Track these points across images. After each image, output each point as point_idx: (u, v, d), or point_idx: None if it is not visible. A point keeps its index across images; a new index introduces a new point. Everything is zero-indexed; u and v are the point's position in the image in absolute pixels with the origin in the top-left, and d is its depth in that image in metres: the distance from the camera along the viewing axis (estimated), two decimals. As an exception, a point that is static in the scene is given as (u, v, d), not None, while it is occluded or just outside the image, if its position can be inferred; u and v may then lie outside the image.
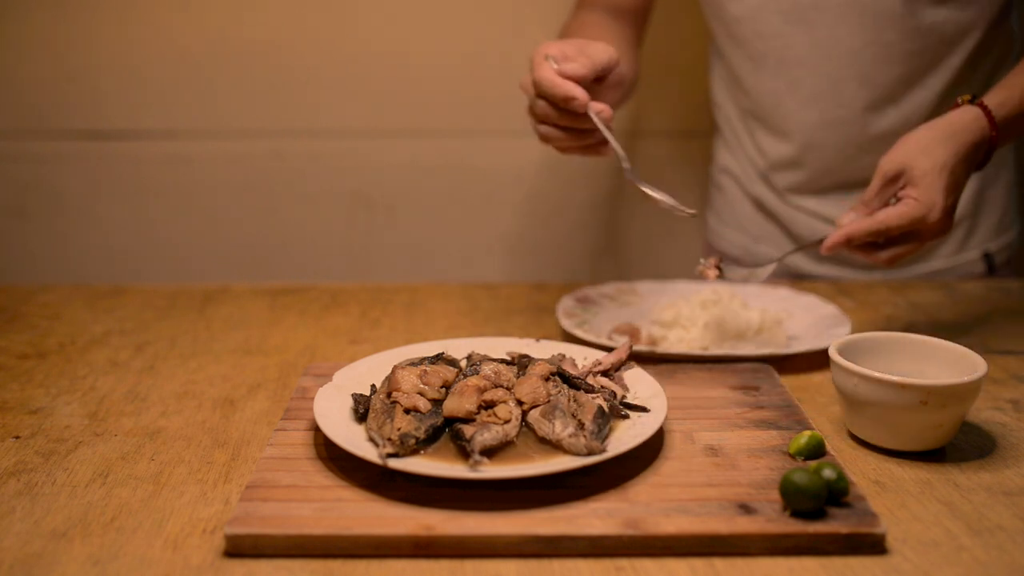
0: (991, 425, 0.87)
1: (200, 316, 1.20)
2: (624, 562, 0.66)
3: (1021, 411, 0.90)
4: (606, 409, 0.79)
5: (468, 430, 0.75)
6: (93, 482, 0.77)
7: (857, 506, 0.70)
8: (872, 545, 0.67)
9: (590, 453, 0.73)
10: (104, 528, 0.70)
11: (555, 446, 0.76)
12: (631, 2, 1.31)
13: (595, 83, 0.97)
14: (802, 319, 1.12)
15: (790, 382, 0.96)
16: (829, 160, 1.28)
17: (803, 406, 0.90)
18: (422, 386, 0.82)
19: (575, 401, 0.80)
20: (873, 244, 0.98)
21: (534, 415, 0.78)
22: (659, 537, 0.66)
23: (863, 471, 0.79)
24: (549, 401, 0.79)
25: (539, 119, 0.97)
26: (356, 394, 0.83)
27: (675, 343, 1.04)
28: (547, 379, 0.83)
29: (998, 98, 0.99)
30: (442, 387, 0.82)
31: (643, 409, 0.82)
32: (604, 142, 0.96)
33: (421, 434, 0.75)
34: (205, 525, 0.71)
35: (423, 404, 0.79)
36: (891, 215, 0.94)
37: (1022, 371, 1.00)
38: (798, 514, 0.68)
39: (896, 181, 0.96)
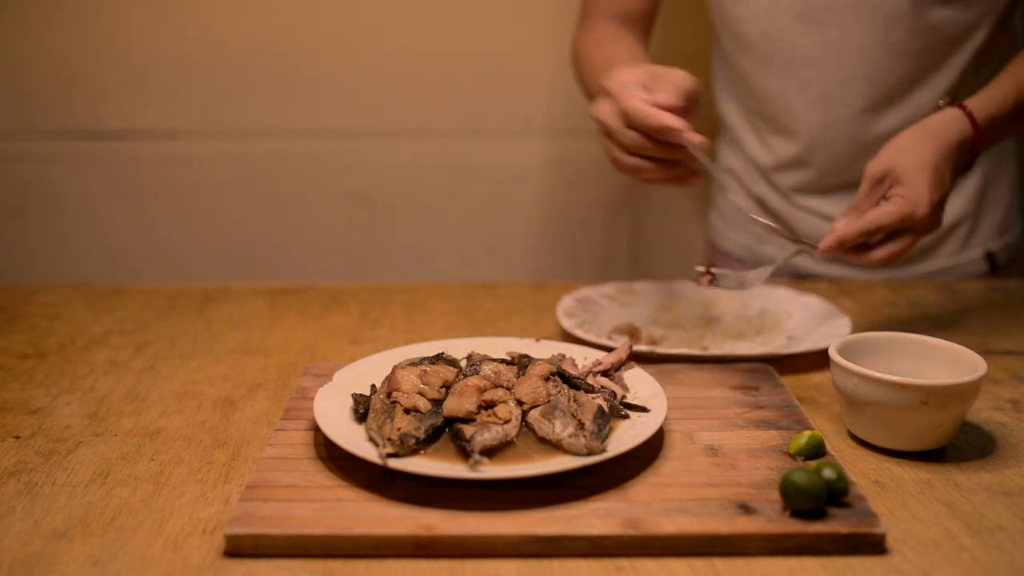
0: (991, 425, 0.87)
1: (200, 316, 1.20)
2: (624, 562, 0.66)
3: (1021, 411, 0.90)
4: (606, 409, 0.79)
5: (468, 430, 0.75)
6: (93, 482, 0.77)
7: (857, 506, 0.70)
8: (872, 545, 0.67)
9: (590, 453, 0.73)
10: (104, 528, 0.70)
11: (555, 446, 0.76)
12: (640, 10, 1.30)
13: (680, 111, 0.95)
14: (802, 319, 1.12)
15: (790, 382, 0.96)
16: (835, 159, 1.28)
17: (803, 406, 0.90)
18: (422, 386, 0.82)
19: (575, 401, 0.80)
20: (866, 245, 1.00)
21: (534, 415, 0.78)
22: (659, 537, 0.66)
23: (863, 471, 0.79)
24: (549, 401, 0.79)
25: (628, 150, 0.94)
26: (356, 394, 0.83)
27: (675, 343, 1.04)
28: (547, 379, 0.83)
29: (980, 100, 1.02)
30: (442, 387, 0.82)
31: (643, 409, 0.82)
32: (693, 172, 0.94)
33: (421, 434, 0.75)
34: (205, 525, 0.71)
35: (423, 404, 0.79)
36: (880, 214, 0.96)
37: (1022, 371, 1.00)
38: (798, 514, 0.68)
39: (883, 182, 0.98)
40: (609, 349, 0.99)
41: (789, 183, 1.34)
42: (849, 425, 0.85)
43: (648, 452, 0.78)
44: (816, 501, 0.68)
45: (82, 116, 1.74)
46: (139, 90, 1.72)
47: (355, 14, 1.71)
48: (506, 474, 0.71)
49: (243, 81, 1.73)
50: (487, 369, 0.84)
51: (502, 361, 0.88)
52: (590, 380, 0.86)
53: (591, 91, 1.18)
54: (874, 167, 0.98)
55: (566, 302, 1.15)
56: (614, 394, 0.84)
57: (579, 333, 1.05)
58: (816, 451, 0.78)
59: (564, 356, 0.92)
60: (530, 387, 0.81)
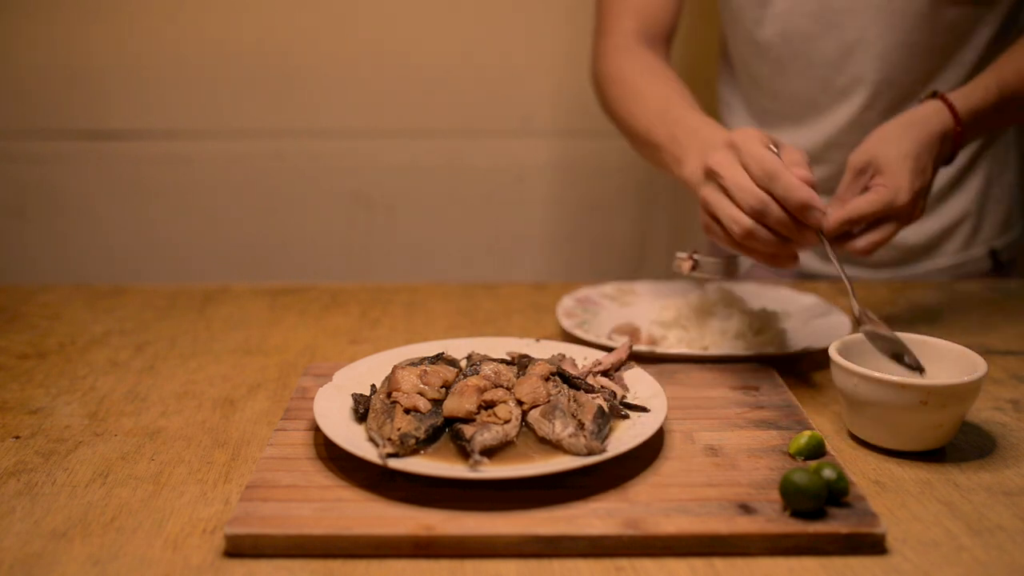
0: (991, 425, 0.87)
1: (200, 316, 1.20)
2: (624, 562, 0.66)
3: (1021, 411, 0.90)
4: (606, 409, 0.79)
5: (468, 430, 0.75)
6: (93, 482, 0.77)
7: (857, 506, 0.70)
8: (872, 545, 0.67)
9: (590, 453, 0.73)
10: (104, 528, 0.70)
11: (555, 446, 0.76)
12: (665, 30, 1.26)
13: None
14: (802, 319, 1.12)
15: (790, 382, 0.96)
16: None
17: (803, 406, 0.90)
18: (422, 386, 0.82)
19: (575, 401, 0.80)
20: (848, 234, 1.00)
21: (534, 415, 0.78)
22: (659, 537, 0.66)
23: (863, 471, 0.78)
24: (549, 401, 0.79)
25: (749, 212, 0.86)
26: (356, 394, 0.83)
27: (675, 343, 1.04)
28: (547, 379, 0.83)
29: (963, 92, 1.03)
30: (442, 387, 0.82)
31: (643, 409, 0.82)
32: (796, 256, 0.89)
33: (421, 434, 0.75)
34: (205, 525, 0.71)
35: (423, 404, 0.79)
36: (860, 203, 0.96)
37: (1022, 371, 1.00)
38: (798, 514, 0.68)
39: (865, 173, 0.99)
40: (609, 349, 0.99)
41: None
42: (849, 425, 0.85)
43: (648, 452, 0.78)
44: (816, 501, 0.68)
45: (82, 116, 1.74)
46: (139, 90, 1.72)
47: (355, 14, 1.71)
48: (506, 474, 0.71)
49: (243, 81, 1.73)
50: (487, 369, 0.84)
51: (502, 361, 0.88)
52: (590, 380, 0.86)
53: (636, 121, 1.12)
54: (856, 157, 0.99)
55: (566, 302, 1.15)
56: (614, 394, 0.84)
57: (579, 333, 1.05)
58: (816, 451, 0.78)
59: (564, 356, 0.92)
60: (530, 387, 0.81)
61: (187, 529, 0.70)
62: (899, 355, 0.84)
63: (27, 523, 0.71)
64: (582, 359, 0.93)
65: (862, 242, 0.99)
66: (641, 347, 1.01)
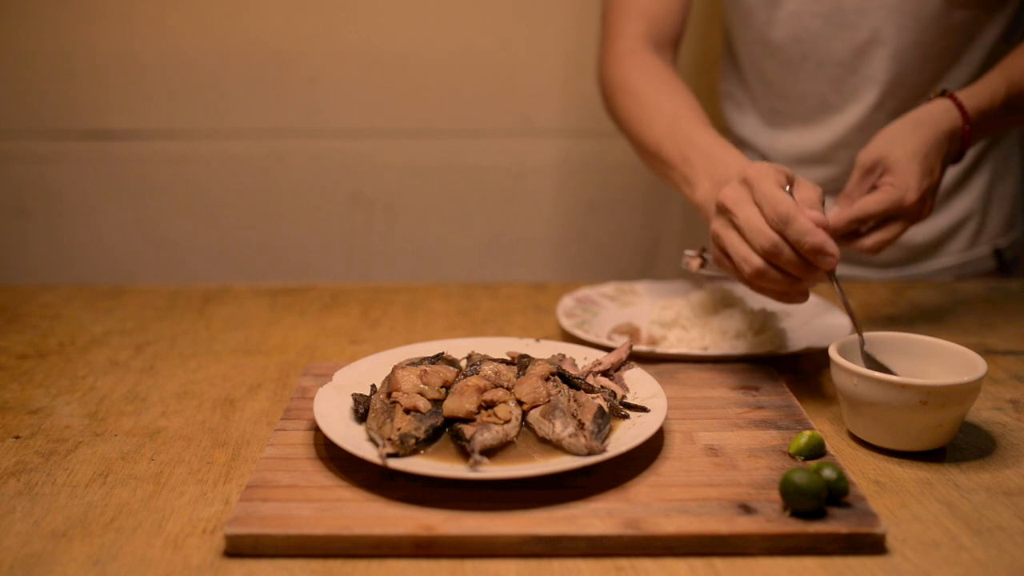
0: (991, 425, 0.87)
1: (200, 316, 1.20)
2: (624, 562, 0.66)
3: (1021, 411, 0.90)
4: (606, 409, 0.79)
5: (468, 430, 0.75)
6: (93, 482, 0.77)
7: (857, 506, 0.70)
8: (872, 545, 0.67)
9: (590, 453, 0.73)
10: (104, 528, 0.70)
11: (555, 446, 0.76)
12: (672, 35, 1.25)
13: None
14: (802, 319, 1.12)
15: (790, 382, 0.96)
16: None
17: (803, 406, 0.90)
18: (422, 386, 0.82)
19: (575, 401, 0.80)
20: (856, 233, 1.01)
21: (534, 415, 0.78)
22: (659, 537, 0.66)
23: (863, 471, 0.78)
24: (549, 401, 0.79)
25: (761, 252, 0.85)
26: (356, 394, 0.83)
27: (675, 343, 1.04)
28: (547, 379, 0.83)
29: (970, 91, 1.03)
30: (442, 387, 0.82)
31: (643, 409, 0.82)
32: (806, 293, 0.88)
33: (421, 434, 0.75)
34: (205, 525, 0.71)
35: (423, 404, 0.79)
36: (869, 201, 0.97)
37: (1022, 371, 1.00)
38: (798, 514, 0.68)
39: (873, 171, 0.99)
40: (609, 349, 0.99)
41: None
42: (849, 425, 0.85)
43: (648, 452, 0.78)
44: (816, 501, 0.68)
45: (82, 116, 1.74)
46: (140, 90, 1.73)
47: (355, 14, 1.71)
48: (506, 474, 0.71)
49: (243, 81, 1.73)
50: (487, 369, 0.84)
51: (502, 361, 0.88)
52: (590, 380, 0.86)
53: (646, 137, 1.11)
54: (865, 156, 1.00)
55: (566, 302, 1.15)
56: (614, 394, 0.84)
57: (579, 333, 1.05)
58: (816, 451, 0.78)
59: (564, 356, 0.92)
60: (530, 387, 0.81)
61: (187, 529, 0.70)
62: None
63: (27, 523, 0.71)
64: (582, 359, 0.93)
65: (870, 241, 1.00)
66: (641, 347, 1.01)
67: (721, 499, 0.71)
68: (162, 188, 1.78)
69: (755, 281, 0.87)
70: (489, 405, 0.79)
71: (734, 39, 1.36)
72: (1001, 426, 0.87)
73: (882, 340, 0.88)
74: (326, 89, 1.74)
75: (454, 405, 0.78)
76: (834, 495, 0.70)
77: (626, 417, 0.81)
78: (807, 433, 0.78)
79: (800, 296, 0.88)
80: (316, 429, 0.82)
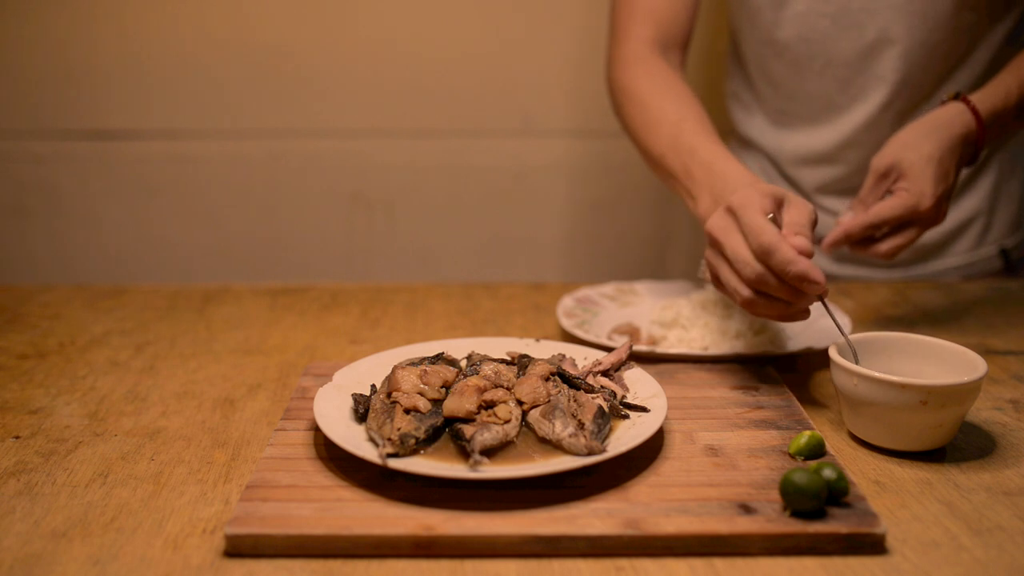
0: (991, 425, 0.87)
1: (200, 316, 1.20)
2: (624, 562, 0.66)
3: (1021, 411, 0.90)
4: (606, 409, 0.79)
5: (468, 430, 0.75)
6: (93, 482, 0.77)
7: (857, 506, 0.70)
8: (872, 545, 0.67)
9: (590, 453, 0.73)
10: (104, 528, 0.70)
11: (555, 446, 0.76)
12: (680, 36, 1.24)
13: None
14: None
15: (790, 382, 0.96)
16: (864, 158, 1.28)
17: (803, 406, 0.90)
18: (422, 386, 0.82)
19: (575, 401, 0.80)
20: (871, 238, 1.01)
21: (534, 415, 0.78)
22: (659, 537, 0.66)
23: (863, 471, 0.78)
24: (549, 401, 0.80)
25: (749, 283, 0.85)
26: (356, 394, 0.83)
27: (675, 343, 1.04)
28: (547, 379, 0.83)
29: (984, 94, 1.04)
30: (442, 387, 0.82)
31: (643, 409, 0.82)
32: (805, 312, 0.87)
33: (421, 434, 0.75)
34: (205, 525, 0.71)
35: (423, 404, 0.79)
36: (884, 207, 0.98)
37: (1022, 371, 1.00)
38: (798, 514, 0.68)
39: (888, 176, 1.00)
40: (609, 349, 0.99)
41: (814, 182, 1.34)
42: (849, 425, 0.85)
43: (648, 452, 0.78)
44: (816, 501, 0.68)
45: (82, 116, 1.74)
46: (140, 90, 1.72)
47: (355, 14, 1.71)
48: (506, 474, 0.71)
49: (243, 81, 1.73)
50: (487, 369, 0.84)
51: (502, 361, 0.88)
52: (590, 380, 0.86)
53: (651, 145, 1.11)
54: (879, 161, 1.00)
55: (566, 302, 1.15)
56: (614, 394, 0.84)
57: (579, 333, 1.05)
58: (816, 451, 0.78)
59: (564, 356, 0.92)
60: (530, 387, 0.81)
61: (187, 529, 0.70)
62: None
63: (27, 523, 0.71)
64: (582, 359, 0.93)
65: (885, 246, 1.00)
66: (641, 347, 1.01)
67: (721, 499, 0.71)
68: (162, 188, 1.78)
69: (748, 308, 0.87)
70: (489, 405, 0.79)
71: (741, 39, 1.36)
72: (1001, 426, 0.87)
73: (882, 340, 0.88)
74: (326, 89, 1.74)
75: (454, 405, 0.78)
76: (834, 495, 0.70)
77: (626, 417, 0.81)
78: (807, 433, 0.78)
79: (801, 315, 0.87)
80: (316, 429, 0.82)
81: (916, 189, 0.97)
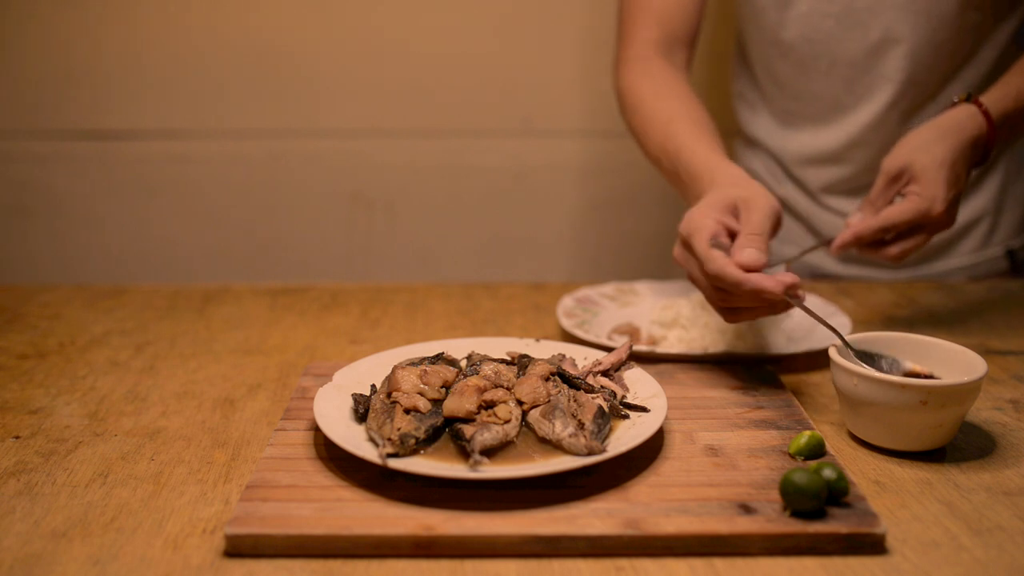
0: (991, 425, 0.87)
1: (200, 316, 1.20)
2: (624, 562, 0.66)
3: (1021, 411, 0.90)
4: (606, 409, 0.79)
5: (468, 430, 0.75)
6: (93, 482, 0.77)
7: (857, 506, 0.70)
8: (872, 545, 0.67)
9: (590, 453, 0.73)
10: (104, 528, 0.70)
11: (555, 446, 0.76)
12: (686, 34, 1.24)
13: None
14: (802, 319, 1.12)
15: (790, 382, 0.96)
16: (870, 157, 1.28)
17: (803, 406, 0.90)
18: (422, 386, 0.82)
19: (575, 401, 0.80)
20: (881, 241, 1.01)
21: (534, 415, 0.78)
22: (659, 537, 0.66)
23: (863, 471, 0.78)
24: (549, 401, 0.79)
25: (717, 303, 0.89)
26: (356, 394, 0.83)
27: (675, 343, 1.04)
28: (547, 379, 0.83)
29: (994, 96, 1.03)
30: (442, 387, 0.82)
31: (643, 409, 0.82)
32: (785, 304, 0.88)
33: (421, 434, 0.75)
34: (205, 525, 0.71)
35: (423, 404, 0.79)
36: (895, 211, 0.98)
37: (1022, 371, 1.00)
38: (798, 514, 0.68)
39: (899, 179, 1.00)
40: (609, 349, 0.99)
41: (820, 181, 1.34)
42: (849, 425, 0.85)
43: (648, 452, 0.78)
44: (816, 501, 0.68)
45: (82, 116, 1.74)
46: (139, 90, 1.72)
47: (355, 14, 1.71)
48: (506, 474, 0.71)
49: (243, 81, 1.73)
50: (487, 369, 0.84)
51: (502, 361, 0.88)
52: (590, 380, 0.86)
53: (653, 149, 1.12)
54: (890, 163, 0.99)
55: (566, 302, 1.15)
56: (614, 394, 0.84)
57: (579, 333, 1.05)
58: (816, 451, 0.78)
59: (564, 356, 0.92)
60: (530, 387, 0.81)
61: (187, 529, 0.70)
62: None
63: (27, 523, 0.71)
64: (582, 359, 0.93)
65: (895, 250, 1.01)
66: (641, 347, 1.01)
67: (721, 499, 0.71)
68: (162, 188, 1.78)
69: (729, 320, 0.91)
70: (489, 405, 0.79)
71: (746, 40, 1.36)
72: (1001, 426, 0.87)
73: (882, 340, 0.88)
74: (326, 89, 1.74)
75: (454, 405, 0.78)
76: (834, 495, 0.70)
77: (626, 417, 0.81)
78: (807, 433, 0.78)
79: (782, 307, 0.88)
80: (316, 429, 0.82)
81: (928, 194, 0.96)
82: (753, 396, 0.90)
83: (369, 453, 0.73)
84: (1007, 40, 1.23)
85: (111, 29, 1.69)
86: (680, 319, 1.07)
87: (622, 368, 0.90)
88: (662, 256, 1.86)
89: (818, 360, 1.03)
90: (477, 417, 0.78)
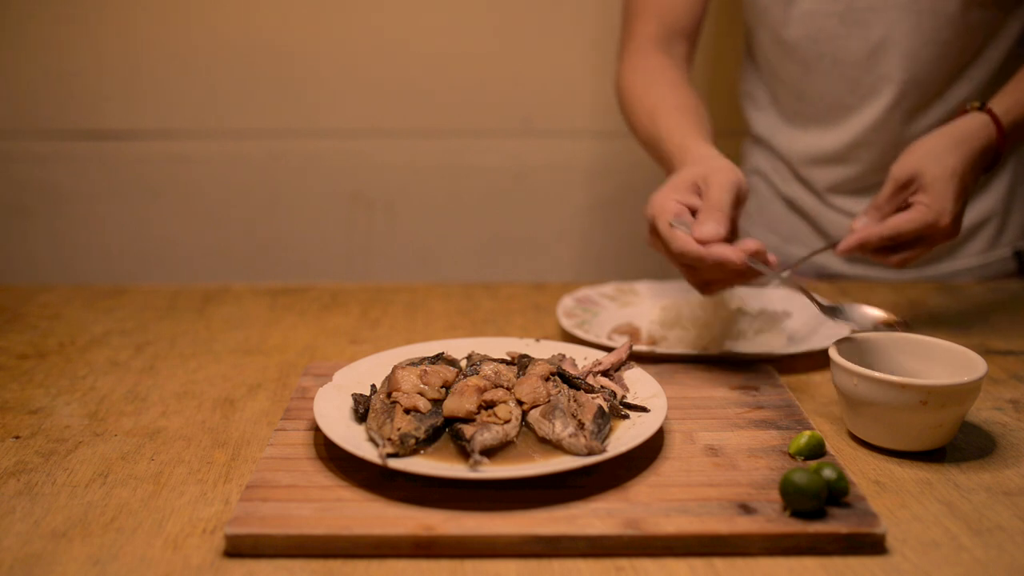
0: (991, 425, 0.87)
1: (200, 316, 1.20)
2: (624, 562, 0.66)
3: (1021, 411, 0.90)
4: (606, 409, 0.79)
5: (468, 430, 0.75)
6: (93, 482, 0.77)
7: (857, 506, 0.70)
8: (872, 545, 0.67)
9: (590, 453, 0.73)
10: (104, 528, 0.70)
11: (555, 446, 0.76)
12: (687, 27, 1.25)
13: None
14: (802, 319, 1.12)
15: (790, 382, 0.96)
16: (876, 157, 1.28)
17: (803, 406, 0.90)
18: (422, 386, 0.82)
19: (575, 401, 0.80)
20: (885, 248, 1.01)
21: (534, 415, 0.78)
22: (659, 537, 0.66)
23: (863, 471, 0.78)
24: (549, 401, 0.79)
25: (691, 279, 0.94)
26: (356, 394, 0.83)
27: (675, 343, 1.04)
28: (547, 379, 0.83)
29: (1005, 104, 1.03)
30: (442, 387, 0.82)
31: (643, 409, 0.82)
32: (753, 273, 0.91)
33: (421, 434, 0.75)
34: (205, 525, 0.71)
35: (423, 404, 0.79)
36: (903, 221, 0.97)
37: (1022, 371, 1.00)
38: (798, 514, 0.68)
39: (908, 187, 0.99)
40: (609, 349, 0.99)
41: (826, 181, 1.34)
42: (849, 425, 0.85)
43: (648, 452, 0.78)
44: (816, 501, 0.68)
45: (82, 116, 1.74)
46: (139, 90, 1.72)
47: (355, 14, 1.71)
48: (506, 474, 0.71)
49: (243, 81, 1.73)
50: (487, 369, 0.84)
51: (502, 361, 0.88)
52: (590, 380, 0.86)
53: (642, 139, 1.15)
54: (900, 170, 0.99)
55: (566, 302, 1.15)
56: (614, 394, 0.84)
57: (579, 333, 1.05)
58: (816, 451, 0.78)
59: (564, 356, 0.92)
60: (530, 387, 0.81)
61: (187, 529, 0.70)
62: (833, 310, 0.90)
63: (27, 523, 0.71)
64: (582, 359, 0.93)
65: (897, 258, 1.01)
66: (641, 347, 1.01)
67: (721, 499, 0.71)
68: (162, 188, 1.78)
69: (704, 293, 0.96)
70: (489, 405, 0.79)
71: (753, 39, 1.36)
72: (1001, 426, 0.87)
73: (882, 340, 0.88)
74: (326, 89, 1.74)
75: (454, 405, 0.78)
76: (834, 495, 0.70)
77: (626, 417, 0.81)
78: (807, 433, 0.78)
79: (752, 274, 0.91)
80: (316, 429, 0.82)
81: (937, 206, 0.96)
82: (753, 396, 0.90)
83: (369, 453, 0.73)
84: (1015, 39, 1.22)
85: (111, 29, 1.69)
86: (680, 319, 1.07)
87: (622, 368, 0.90)
88: (662, 256, 1.85)
89: (818, 360, 1.03)
90: (477, 417, 0.78)
